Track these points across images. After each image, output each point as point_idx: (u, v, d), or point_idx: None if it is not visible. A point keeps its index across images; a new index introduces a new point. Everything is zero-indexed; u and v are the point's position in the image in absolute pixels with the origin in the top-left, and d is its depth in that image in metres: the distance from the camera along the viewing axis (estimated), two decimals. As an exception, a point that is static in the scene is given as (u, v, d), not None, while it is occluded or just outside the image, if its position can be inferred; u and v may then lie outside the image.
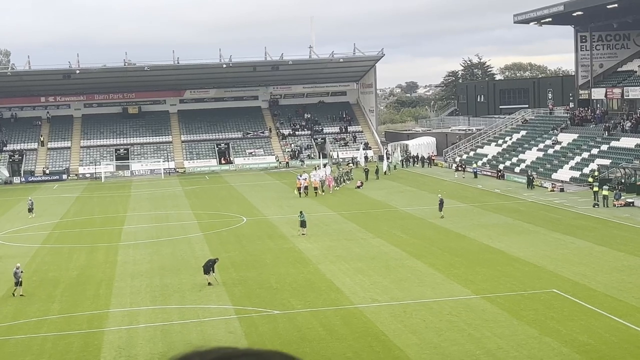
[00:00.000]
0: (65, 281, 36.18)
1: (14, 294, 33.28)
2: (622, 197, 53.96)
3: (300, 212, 47.39)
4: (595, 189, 55.45)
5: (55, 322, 29.33)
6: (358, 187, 67.77)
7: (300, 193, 63.47)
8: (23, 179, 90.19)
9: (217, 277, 34.22)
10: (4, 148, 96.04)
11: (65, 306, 31.59)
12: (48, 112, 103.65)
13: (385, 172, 78.91)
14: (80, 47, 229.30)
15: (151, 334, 27.37)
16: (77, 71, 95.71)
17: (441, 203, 50.56)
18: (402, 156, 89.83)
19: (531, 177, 65.49)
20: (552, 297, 29.70)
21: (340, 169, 76.58)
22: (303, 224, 45.44)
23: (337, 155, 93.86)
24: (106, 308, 30.99)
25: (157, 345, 26.09)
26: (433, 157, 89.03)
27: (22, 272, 33.98)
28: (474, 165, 77.11)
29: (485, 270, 34.65)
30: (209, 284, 33.72)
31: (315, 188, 63.94)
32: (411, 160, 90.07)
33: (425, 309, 28.64)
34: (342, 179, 70.67)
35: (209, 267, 34.02)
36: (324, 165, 78.79)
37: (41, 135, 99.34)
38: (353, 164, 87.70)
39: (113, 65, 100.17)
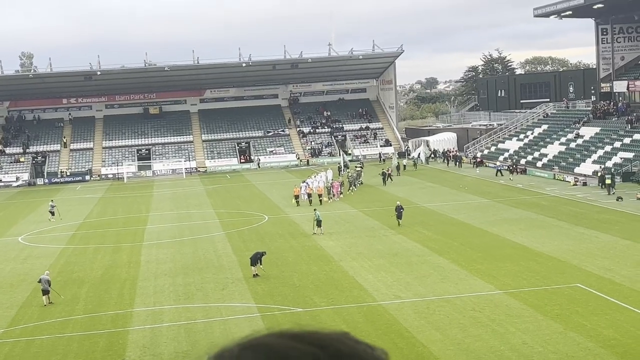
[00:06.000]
0: (89, 281, 36.42)
1: (50, 302, 32.19)
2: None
3: (315, 210, 47.46)
4: (608, 181, 56.20)
5: (80, 322, 29.53)
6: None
7: (298, 202, 57.78)
8: (46, 181, 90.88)
9: (264, 269, 35.14)
10: (27, 150, 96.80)
11: (90, 306, 31.79)
12: (70, 114, 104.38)
13: (405, 166, 78.95)
14: (100, 48, 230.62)
15: (175, 332, 27.49)
16: (98, 72, 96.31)
17: (399, 211, 46.46)
18: (426, 153, 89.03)
19: (610, 176, 57.41)
20: (577, 291, 29.52)
21: (352, 171, 71.51)
22: (319, 223, 45.26)
23: (354, 153, 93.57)
24: (130, 307, 31.15)
25: (181, 344, 26.20)
26: (454, 152, 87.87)
27: (48, 282, 32.36)
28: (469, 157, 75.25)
29: (508, 265, 34.49)
30: (255, 275, 34.71)
31: (320, 195, 58.51)
32: (435, 156, 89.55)
33: (448, 305, 28.56)
34: (354, 182, 65.75)
35: (256, 259, 35.08)
36: (344, 166, 78.79)
37: (64, 137, 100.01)
38: (381, 160, 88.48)
39: (133, 66, 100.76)
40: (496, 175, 69.95)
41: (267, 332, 1.95)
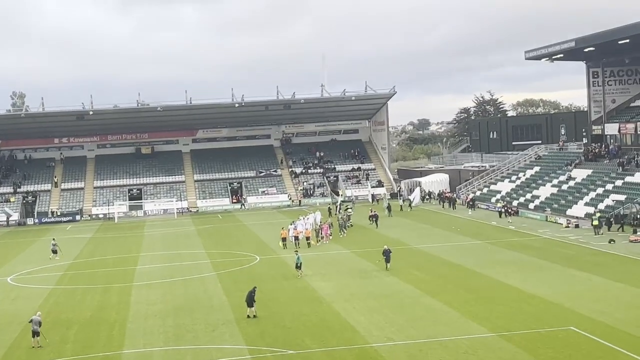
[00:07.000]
0: (78, 322, 36.02)
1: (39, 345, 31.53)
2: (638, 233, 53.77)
3: (296, 252, 47.27)
4: (595, 222, 57.00)
5: (68, 364, 29.11)
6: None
7: (284, 244, 57.07)
8: (37, 220, 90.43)
9: (255, 310, 35.01)
10: (18, 189, 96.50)
11: (78, 348, 31.38)
12: (61, 153, 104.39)
13: (401, 207, 79.04)
14: (93, 88, 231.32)
15: (164, 375, 27.10)
16: (91, 112, 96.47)
17: (387, 254, 45.85)
18: (421, 195, 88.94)
19: (597, 217, 58.33)
20: (570, 334, 29.31)
21: (342, 213, 70.56)
22: (299, 266, 44.74)
23: (344, 194, 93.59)
24: (119, 349, 30.77)
25: (171, 387, 25.82)
26: (446, 194, 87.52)
27: (39, 323, 31.88)
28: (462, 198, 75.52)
29: (501, 307, 34.29)
30: (248, 316, 34.55)
31: (308, 238, 57.80)
32: (430, 197, 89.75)
33: (441, 348, 28.30)
34: (344, 225, 64.09)
35: (252, 299, 34.92)
36: (338, 206, 78.66)
37: (55, 176, 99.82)
38: (374, 201, 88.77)
39: (126, 106, 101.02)
40: (500, 217, 69.84)
41: None
